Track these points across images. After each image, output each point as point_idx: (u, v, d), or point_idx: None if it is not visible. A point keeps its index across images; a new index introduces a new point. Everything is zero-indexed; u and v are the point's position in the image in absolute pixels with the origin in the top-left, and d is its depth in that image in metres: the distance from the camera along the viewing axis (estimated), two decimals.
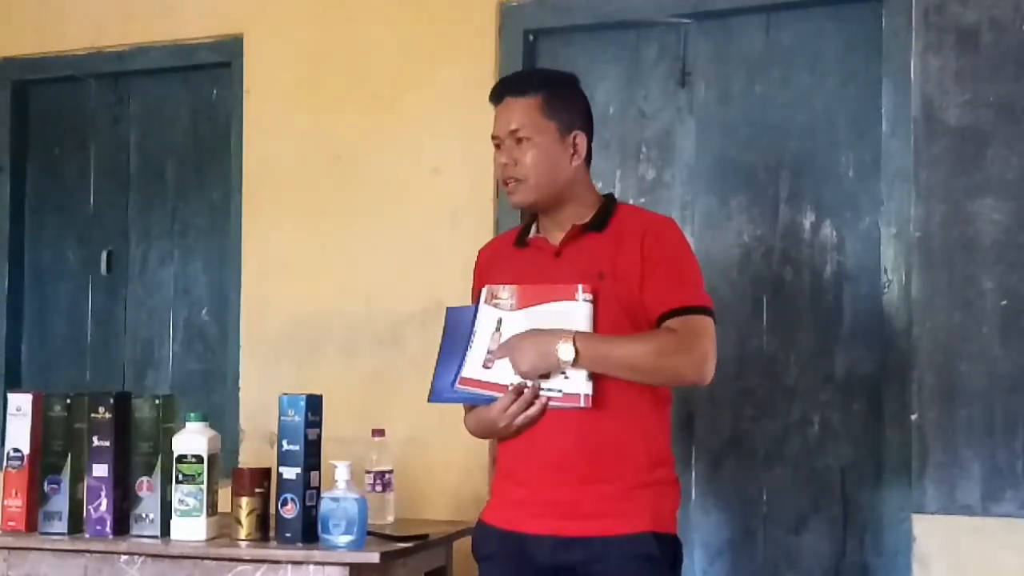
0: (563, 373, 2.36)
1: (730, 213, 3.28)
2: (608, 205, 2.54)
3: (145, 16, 3.87)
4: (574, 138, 2.50)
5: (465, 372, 2.45)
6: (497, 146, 2.52)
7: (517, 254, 2.56)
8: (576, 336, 2.33)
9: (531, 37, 3.45)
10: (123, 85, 4.01)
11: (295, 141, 3.66)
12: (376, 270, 3.53)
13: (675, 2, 3.31)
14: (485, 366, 2.44)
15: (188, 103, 3.94)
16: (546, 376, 2.38)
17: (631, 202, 3.24)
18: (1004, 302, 2.94)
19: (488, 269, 2.58)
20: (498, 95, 2.55)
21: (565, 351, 2.32)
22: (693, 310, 2.39)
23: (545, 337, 2.36)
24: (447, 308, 2.58)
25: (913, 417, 2.99)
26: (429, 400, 2.50)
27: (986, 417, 2.93)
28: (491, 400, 2.43)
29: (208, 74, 3.87)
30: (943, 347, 2.97)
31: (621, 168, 3.37)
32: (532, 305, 2.42)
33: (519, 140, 2.47)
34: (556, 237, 2.51)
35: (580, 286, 2.38)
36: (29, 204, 4.11)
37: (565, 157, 2.49)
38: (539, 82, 2.54)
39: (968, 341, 2.95)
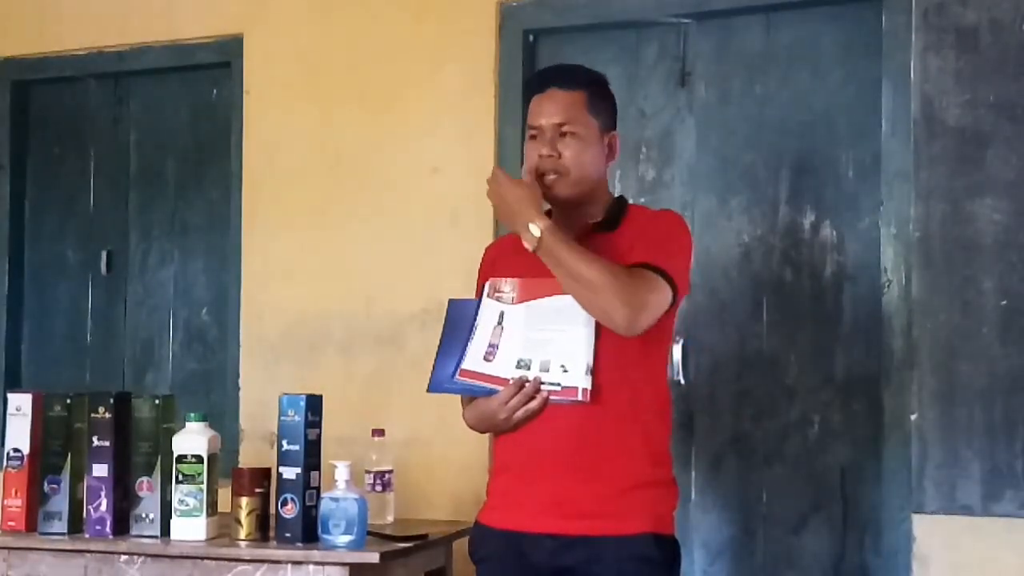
0: (562, 367, 2.36)
1: (730, 213, 3.28)
2: (619, 206, 2.54)
3: (145, 16, 3.87)
4: (611, 138, 2.51)
5: (466, 364, 2.45)
6: (533, 136, 2.49)
7: (525, 252, 2.53)
8: (549, 226, 2.33)
9: (531, 37, 3.45)
10: (123, 85, 4.01)
11: (295, 141, 3.66)
12: (376, 270, 3.53)
13: (675, 2, 3.32)
14: (486, 359, 2.43)
15: (188, 103, 3.94)
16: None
17: (631, 202, 3.24)
18: (1004, 302, 2.94)
19: (494, 266, 2.57)
20: (542, 85, 2.51)
21: (532, 233, 2.33)
22: (656, 270, 2.37)
23: (524, 201, 2.37)
24: (449, 300, 2.58)
25: (913, 417, 2.99)
26: (428, 390, 2.50)
27: (986, 417, 2.93)
28: (491, 393, 2.42)
29: (208, 74, 3.87)
30: (943, 347, 2.97)
31: (621, 168, 3.36)
32: (533, 299, 2.42)
33: (563, 133, 2.44)
34: None
35: None
36: (29, 204, 4.11)
37: (602, 156, 2.49)
38: (584, 79, 2.52)
39: (968, 341, 2.95)
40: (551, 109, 2.47)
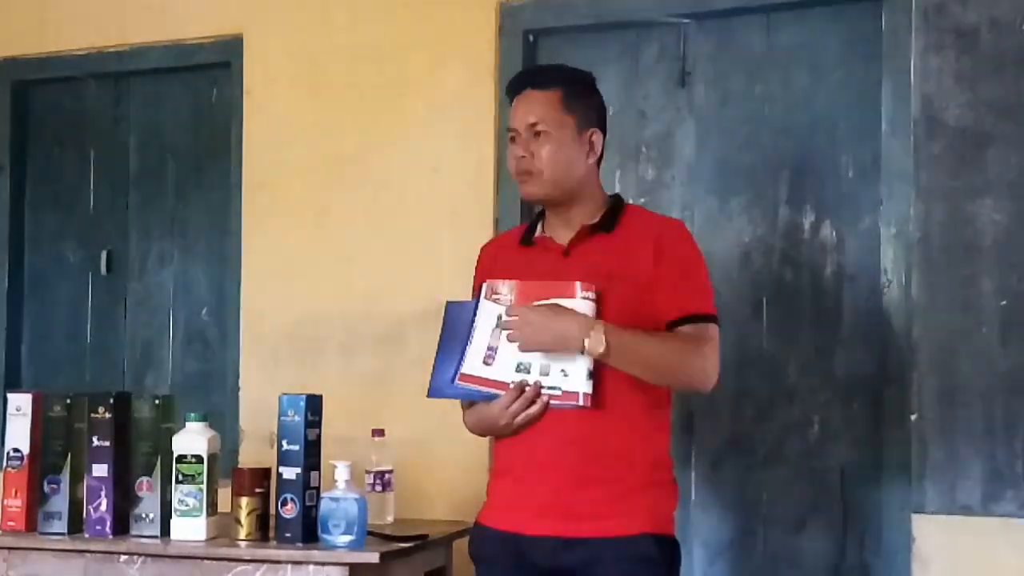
0: (563, 371, 2.36)
1: (730, 213, 3.28)
2: (617, 206, 2.54)
3: (145, 16, 3.87)
4: (591, 136, 2.50)
5: (465, 368, 2.45)
6: (512, 139, 2.50)
7: (523, 253, 2.56)
8: (607, 327, 2.30)
9: (531, 37, 3.45)
10: (123, 85, 4.01)
11: (295, 141, 3.66)
12: (376, 270, 3.53)
13: (675, 2, 3.31)
14: (485, 362, 2.43)
15: (188, 103, 3.94)
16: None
17: (631, 202, 3.24)
18: (1004, 302, 2.94)
19: (492, 267, 2.58)
20: (518, 87, 2.53)
21: (596, 343, 2.29)
22: (704, 318, 2.42)
23: (567, 318, 2.33)
24: (447, 303, 2.58)
25: (913, 417, 2.99)
26: (428, 395, 2.50)
27: (986, 417, 2.93)
28: (491, 397, 2.42)
29: (208, 74, 3.87)
30: (943, 347, 2.97)
31: (621, 168, 3.36)
32: (532, 302, 2.41)
33: (537, 133, 2.46)
34: (564, 236, 2.51)
35: (579, 284, 2.37)
36: (29, 204, 4.11)
37: (581, 154, 2.48)
38: (560, 77, 2.54)
39: (968, 341, 2.95)
40: (525, 110, 2.49)
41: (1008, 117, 2.96)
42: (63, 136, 4.09)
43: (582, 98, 2.51)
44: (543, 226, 2.57)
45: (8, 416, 3.01)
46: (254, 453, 3.49)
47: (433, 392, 2.50)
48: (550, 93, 2.48)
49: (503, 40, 3.45)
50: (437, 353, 2.51)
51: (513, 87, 2.56)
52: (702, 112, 3.32)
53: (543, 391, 2.38)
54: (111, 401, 2.89)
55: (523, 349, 2.37)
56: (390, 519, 3.13)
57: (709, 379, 2.41)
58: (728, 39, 3.31)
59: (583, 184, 2.50)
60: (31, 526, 2.94)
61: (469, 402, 2.53)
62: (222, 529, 2.85)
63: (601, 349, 2.30)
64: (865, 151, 3.15)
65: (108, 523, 2.87)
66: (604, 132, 2.54)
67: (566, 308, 2.35)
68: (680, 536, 2.48)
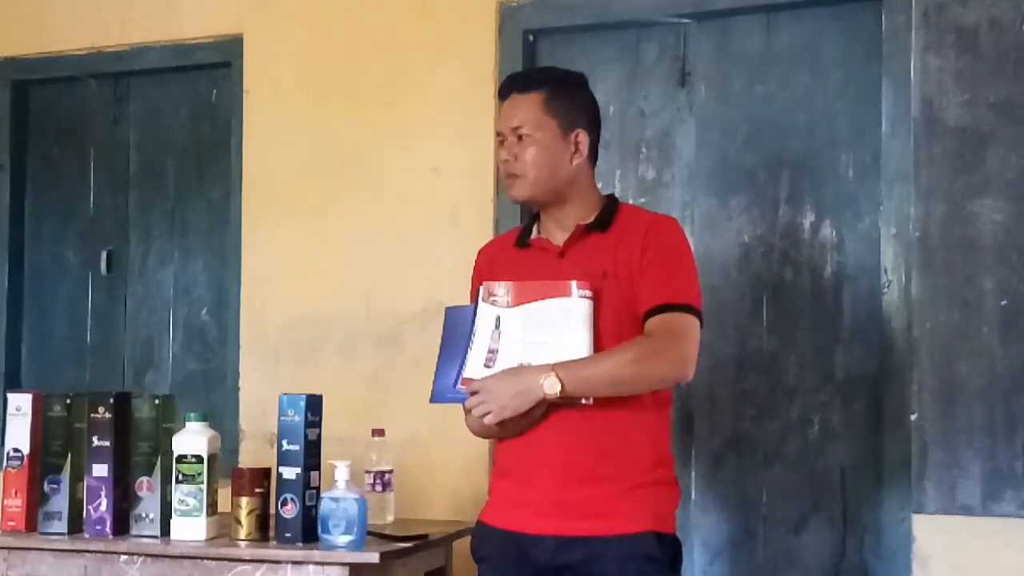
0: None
1: (730, 213, 3.28)
2: (611, 205, 2.54)
3: (145, 16, 3.87)
4: (576, 136, 2.50)
5: (467, 372, 2.44)
6: (501, 142, 2.52)
7: (519, 255, 2.56)
8: (556, 368, 2.32)
9: (531, 37, 3.45)
10: (123, 85, 4.01)
11: (295, 141, 3.66)
12: (376, 270, 3.53)
13: (675, 2, 3.31)
14: (486, 365, 2.43)
15: (188, 103, 3.94)
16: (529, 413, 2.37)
17: (631, 202, 3.24)
18: (1004, 302, 2.94)
19: (489, 269, 2.58)
20: (505, 91, 2.56)
21: (551, 385, 2.31)
22: (675, 308, 2.39)
23: (522, 376, 2.35)
24: (446, 308, 2.58)
25: (913, 417, 2.99)
26: (431, 401, 2.50)
27: (986, 417, 2.93)
28: None
29: (208, 74, 3.87)
30: (943, 347, 2.97)
31: (621, 168, 3.37)
32: (528, 302, 2.41)
33: (520, 137, 2.47)
34: (558, 237, 2.51)
35: (574, 283, 2.37)
36: (29, 204, 4.11)
37: (565, 155, 2.49)
38: (544, 79, 2.55)
39: (968, 341, 2.95)
40: (509, 114, 2.51)
41: (1008, 117, 2.96)
42: (63, 136, 4.09)
43: (566, 99, 2.51)
44: (538, 227, 2.57)
45: (8, 416, 3.01)
46: (254, 453, 3.49)
47: (436, 397, 2.49)
48: (532, 96, 2.49)
49: (503, 40, 3.45)
50: (439, 358, 2.51)
51: (501, 91, 2.58)
52: (702, 112, 3.32)
53: None
54: (111, 401, 2.89)
55: (495, 419, 2.37)
56: (390, 519, 3.13)
57: (681, 370, 2.38)
58: (728, 39, 3.31)
59: (571, 185, 2.50)
60: (31, 526, 2.94)
61: None
62: (222, 529, 2.85)
63: (558, 387, 2.32)
64: (865, 151, 3.16)
65: (108, 523, 2.87)
66: (595, 131, 2.54)
67: (521, 367, 2.37)
68: (680, 536, 2.48)
